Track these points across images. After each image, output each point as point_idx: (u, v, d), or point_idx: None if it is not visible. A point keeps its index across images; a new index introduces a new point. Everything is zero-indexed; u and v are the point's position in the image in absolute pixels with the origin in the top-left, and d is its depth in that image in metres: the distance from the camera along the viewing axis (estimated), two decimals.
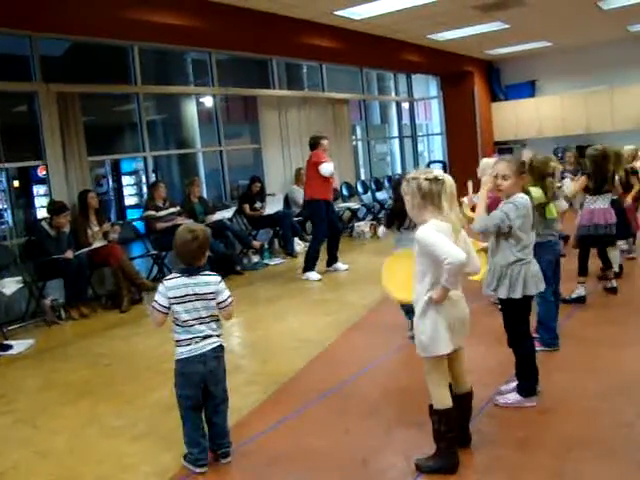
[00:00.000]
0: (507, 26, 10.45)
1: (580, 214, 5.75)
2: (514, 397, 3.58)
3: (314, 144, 7.75)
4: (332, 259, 7.93)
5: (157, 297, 3.12)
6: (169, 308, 3.10)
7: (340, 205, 11.38)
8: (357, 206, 11.64)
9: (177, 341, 3.13)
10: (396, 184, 5.25)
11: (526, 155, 5.82)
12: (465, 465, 2.96)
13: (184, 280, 3.10)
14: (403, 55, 11.42)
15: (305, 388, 4.17)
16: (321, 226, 7.63)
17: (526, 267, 3.41)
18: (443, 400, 2.91)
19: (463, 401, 3.07)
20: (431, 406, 2.95)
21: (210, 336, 3.14)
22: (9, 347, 5.70)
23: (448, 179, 2.82)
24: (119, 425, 3.84)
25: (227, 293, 3.19)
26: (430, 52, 12.02)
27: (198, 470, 3.12)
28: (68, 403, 4.29)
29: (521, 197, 3.42)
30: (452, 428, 2.94)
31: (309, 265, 7.62)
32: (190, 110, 10.91)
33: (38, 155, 7.35)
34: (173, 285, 3.10)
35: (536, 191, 4.12)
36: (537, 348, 3.81)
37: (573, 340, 4.55)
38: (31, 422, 4.03)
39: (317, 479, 3.02)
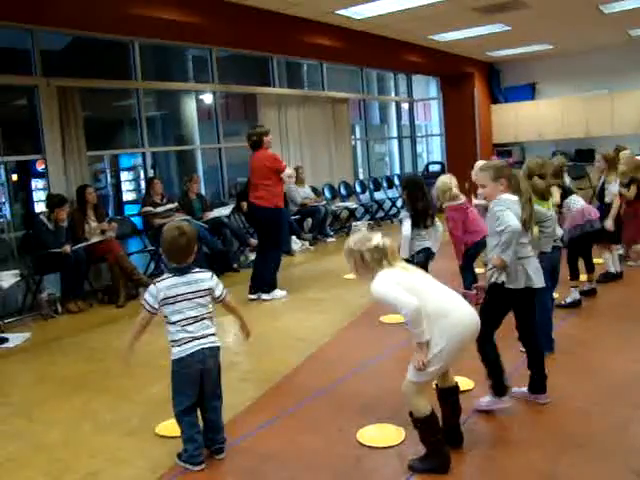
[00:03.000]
0: (508, 28, 10.47)
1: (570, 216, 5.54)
2: (487, 399, 3.55)
3: (258, 142, 6.60)
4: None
5: (147, 296, 3.12)
6: (157, 309, 3.11)
7: (338, 204, 11.42)
8: (355, 206, 11.65)
9: (172, 341, 3.13)
10: (410, 183, 5.54)
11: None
12: (457, 465, 2.98)
13: (175, 280, 3.12)
14: (404, 55, 11.43)
15: (299, 386, 4.19)
16: (285, 236, 7.10)
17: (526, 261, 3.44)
18: (422, 408, 2.92)
19: (449, 395, 3.11)
20: (411, 413, 2.97)
21: (205, 336, 3.15)
22: (5, 340, 5.72)
23: (388, 243, 2.94)
24: (113, 419, 3.85)
25: (221, 286, 3.24)
26: (431, 53, 12.03)
27: (196, 468, 3.12)
28: (63, 397, 4.30)
29: (505, 197, 3.46)
30: (436, 431, 2.95)
31: (272, 283, 6.80)
32: (189, 107, 10.91)
33: (37, 149, 7.35)
34: (164, 286, 3.10)
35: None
36: None
37: (567, 343, 4.57)
38: (26, 415, 4.04)
39: (310, 477, 3.03)
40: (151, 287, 3.13)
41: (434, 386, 3.14)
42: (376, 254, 2.90)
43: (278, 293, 6.78)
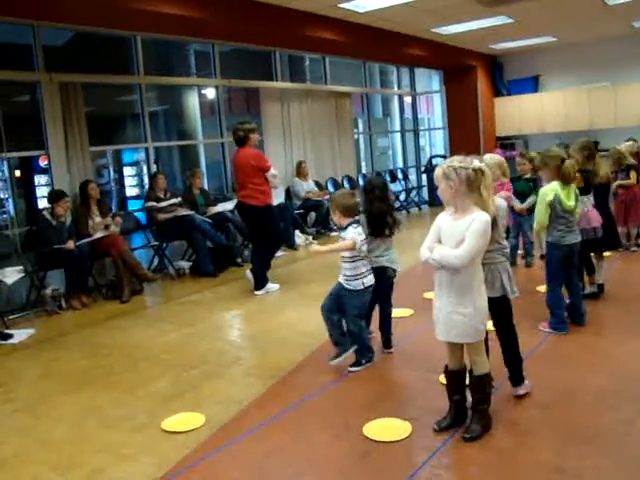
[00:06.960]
0: (511, 21, 10.43)
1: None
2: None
3: (244, 138, 6.55)
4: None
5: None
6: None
7: None
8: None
9: None
10: (368, 184, 4.80)
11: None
12: (465, 459, 2.97)
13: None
14: (406, 49, 11.39)
15: (305, 381, 4.18)
16: (279, 230, 7.02)
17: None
18: (487, 363, 3.21)
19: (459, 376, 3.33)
20: (475, 376, 3.18)
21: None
22: (10, 336, 5.72)
23: (487, 171, 3.06)
24: (118, 415, 3.85)
25: (350, 235, 4.11)
26: (433, 46, 11.99)
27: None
28: (68, 392, 4.30)
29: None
30: (490, 388, 3.26)
31: (263, 279, 6.78)
32: (192, 101, 10.93)
33: (40, 145, 7.34)
34: None
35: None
36: (546, 330, 4.65)
37: (574, 336, 4.56)
38: (31, 411, 4.04)
39: (316, 472, 3.03)
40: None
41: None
42: (478, 176, 3.00)
43: (271, 286, 6.79)
